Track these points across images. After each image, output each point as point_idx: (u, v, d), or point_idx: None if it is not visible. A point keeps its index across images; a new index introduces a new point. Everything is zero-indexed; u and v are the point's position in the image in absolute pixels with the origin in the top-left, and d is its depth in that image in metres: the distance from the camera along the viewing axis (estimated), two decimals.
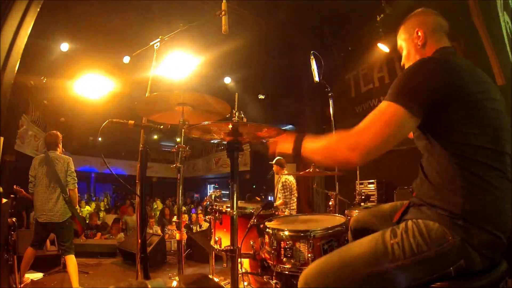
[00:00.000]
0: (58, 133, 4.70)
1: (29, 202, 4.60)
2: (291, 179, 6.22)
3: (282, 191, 6.11)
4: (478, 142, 1.34)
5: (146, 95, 2.67)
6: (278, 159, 6.46)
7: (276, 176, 6.61)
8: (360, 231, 1.92)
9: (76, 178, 4.56)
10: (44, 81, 8.17)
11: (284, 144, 1.86)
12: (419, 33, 1.67)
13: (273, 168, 6.49)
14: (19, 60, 1.16)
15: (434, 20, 1.71)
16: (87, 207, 10.98)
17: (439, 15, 1.75)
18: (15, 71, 1.14)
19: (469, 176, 1.33)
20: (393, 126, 1.37)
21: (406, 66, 1.75)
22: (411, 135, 1.66)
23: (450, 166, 1.36)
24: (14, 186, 4.76)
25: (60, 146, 4.65)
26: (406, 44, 1.76)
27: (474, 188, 1.32)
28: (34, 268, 5.07)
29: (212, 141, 2.47)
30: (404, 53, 1.80)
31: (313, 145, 1.69)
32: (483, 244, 1.29)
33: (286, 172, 6.40)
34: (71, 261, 4.31)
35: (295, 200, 6.21)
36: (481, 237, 1.29)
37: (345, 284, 1.39)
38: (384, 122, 1.39)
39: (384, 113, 1.40)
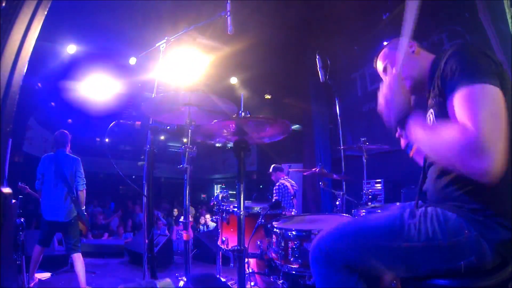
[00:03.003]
0: (67, 132, 4.74)
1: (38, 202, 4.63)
2: (287, 184, 6.29)
3: (276, 196, 6.21)
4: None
5: (153, 96, 2.68)
6: (274, 165, 6.54)
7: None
8: None
9: (84, 179, 4.59)
10: (39, 86, 8.24)
11: (388, 107, 1.51)
12: (411, 43, 1.63)
13: (272, 176, 6.57)
14: (27, 63, 1.17)
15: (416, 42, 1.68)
16: None
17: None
18: (23, 74, 1.16)
19: None
20: (501, 108, 1.17)
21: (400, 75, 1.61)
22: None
23: None
24: (19, 184, 4.80)
25: (69, 145, 4.69)
26: (398, 55, 1.57)
27: (493, 188, 1.24)
28: (42, 267, 5.11)
29: (216, 145, 2.47)
30: (394, 64, 1.66)
31: (422, 135, 1.35)
32: (499, 240, 1.27)
33: (285, 177, 6.47)
34: (78, 259, 4.34)
35: (293, 204, 6.25)
36: (498, 232, 1.27)
37: (356, 251, 1.41)
38: (495, 107, 1.17)
39: (486, 97, 1.19)
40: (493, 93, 1.18)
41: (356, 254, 1.41)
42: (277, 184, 6.33)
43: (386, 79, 1.54)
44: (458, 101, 1.23)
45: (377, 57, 1.81)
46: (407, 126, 1.41)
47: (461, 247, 1.29)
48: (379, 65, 1.80)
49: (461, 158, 1.14)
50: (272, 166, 6.65)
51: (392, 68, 1.69)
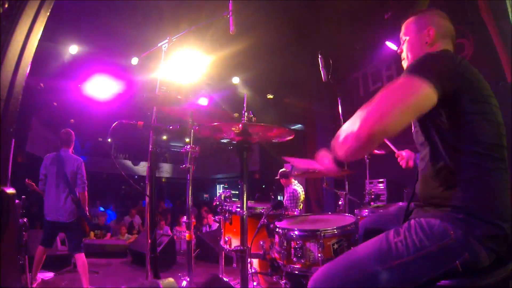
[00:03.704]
0: (72, 131, 4.76)
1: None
2: (299, 190, 6.28)
3: (289, 201, 6.19)
4: (484, 136, 1.37)
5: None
6: (281, 171, 6.52)
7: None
8: (369, 231, 1.93)
9: (86, 181, 4.60)
10: (42, 86, 8.25)
11: (322, 162, 1.79)
12: (431, 32, 1.66)
13: (281, 181, 6.56)
14: (30, 63, 1.17)
15: (447, 26, 1.71)
16: None
17: (451, 22, 1.75)
18: (26, 74, 1.16)
19: (471, 169, 1.36)
20: (414, 98, 1.31)
21: (404, 54, 1.80)
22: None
23: (452, 160, 1.39)
24: (26, 180, 4.81)
25: (73, 144, 4.71)
26: (414, 36, 1.74)
27: (475, 180, 1.35)
28: (45, 267, 5.13)
29: (221, 140, 2.47)
30: (407, 39, 1.78)
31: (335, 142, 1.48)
32: (486, 235, 1.30)
33: (296, 182, 6.47)
34: (81, 259, 4.35)
35: (299, 209, 6.26)
36: (483, 228, 1.30)
37: (354, 283, 1.41)
38: (404, 92, 1.32)
39: (403, 85, 1.35)
40: (414, 82, 1.32)
41: (354, 285, 1.41)
42: (289, 190, 6.33)
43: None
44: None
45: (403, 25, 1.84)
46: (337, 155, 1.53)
47: (451, 248, 1.31)
48: (402, 30, 1.84)
49: (349, 128, 1.34)
50: (280, 171, 6.64)
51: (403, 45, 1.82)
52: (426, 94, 1.30)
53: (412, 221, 1.44)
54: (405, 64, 1.80)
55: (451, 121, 1.38)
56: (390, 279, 1.36)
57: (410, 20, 1.79)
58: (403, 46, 1.80)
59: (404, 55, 1.80)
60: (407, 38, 1.78)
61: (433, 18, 1.72)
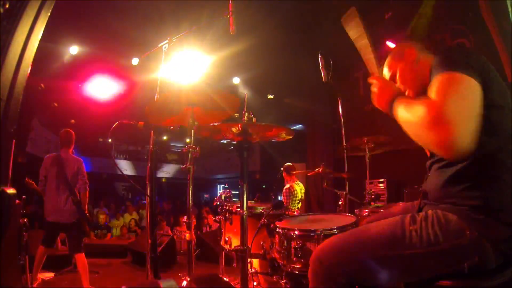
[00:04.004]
0: (72, 131, 4.76)
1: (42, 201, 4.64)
2: (297, 188, 6.24)
3: (284, 197, 6.18)
4: (501, 137, 1.32)
5: (156, 97, 2.68)
6: (286, 165, 6.49)
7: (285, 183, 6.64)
8: None
9: (87, 181, 4.60)
10: (42, 87, 8.26)
11: (380, 101, 1.61)
12: (411, 52, 1.67)
13: (283, 175, 6.53)
14: (31, 64, 1.17)
15: (418, 43, 1.73)
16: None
17: (419, 41, 1.76)
18: (27, 75, 1.16)
19: (492, 167, 1.31)
20: (475, 96, 1.20)
21: (404, 87, 1.71)
22: None
23: (471, 161, 1.32)
24: (26, 179, 4.81)
25: (73, 145, 4.71)
26: (400, 67, 1.71)
27: (495, 180, 1.31)
28: (46, 268, 5.12)
29: (221, 141, 2.47)
30: (398, 76, 1.72)
31: (400, 111, 1.41)
32: (501, 238, 1.27)
33: (296, 181, 6.44)
34: (81, 259, 4.35)
35: (297, 207, 6.23)
36: (500, 230, 1.27)
37: (359, 263, 1.40)
38: (465, 92, 1.21)
39: (459, 83, 1.22)
40: (467, 82, 1.22)
41: (358, 266, 1.40)
42: (286, 186, 6.31)
43: (372, 80, 1.66)
44: (432, 86, 1.28)
45: (382, 65, 1.83)
46: (394, 111, 1.46)
47: (463, 249, 1.29)
48: (386, 73, 1.81)
49: (424, 128, 1.20)
50: (285, 164, 6.59)
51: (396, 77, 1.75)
52: (480, 93, 1.22)
53: (430, 211, 1.41)
54: (411, 92, 1.70)
55: None
56: (396, 266, 1.36)
57: (386, 64, 1.81)
58: (398, 84, 1.73)
59: (405, 87, 1.71)
60: (396, 73, 1.74)
61: (404, 43, 1.76)
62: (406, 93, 1.70)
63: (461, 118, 1.14)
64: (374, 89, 1.63)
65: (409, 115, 1.33)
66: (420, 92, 1.65)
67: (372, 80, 1.68)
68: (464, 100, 1.18)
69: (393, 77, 1.77)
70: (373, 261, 1.37)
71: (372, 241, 1.41)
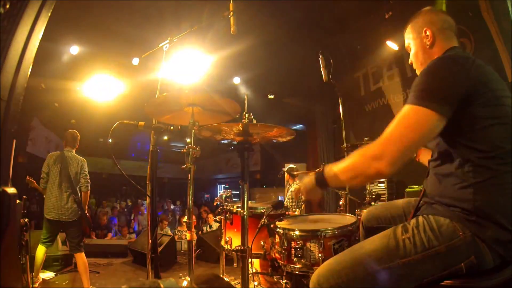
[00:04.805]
0: (77, 133, 4.80)
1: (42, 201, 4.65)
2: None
3: (290, 200, 6.18)
4: (497, 139, 1.33)
5: (156, 96, 2.69)
6: (290, 167, 6.49)
7: (286, 184, 6.65)
8: (373, 229, 1.92)
9: (89, 181, 4.62)
10: (43, 86, 8.26)
11: (306, 184, 1.71)
12: (428, 33, 1.64)
13: (285, 177, 6.55)
14: (31, 64, 1.17)
15: (442, 19, 1.67)
16: None
17: (447, 14, 1.71)
18: (28, 75, 1.16)
19: (484, 172, 1.33)
20: (422, 130, 1.34)
21: (414, 65, 1.76)
22: None
23: (465, 161, 1.36)
24: (27, 177, 4.82)
25: (77, 146, 4.73)
26: (414, 44, 1.73)
27: (487, 184, 1.32)
28: (46, 267, 5.14)
29: (222, 141, 2.47)
30: (412, 52, 1.76)
31: (337, 168, 1.54)
32: (495, 239, 1.29)
33: (297, 182, 6.44)
34: (81, 259, 4.36)
35: (300, 208, 6.24)
36: (493, 231, 1.29)
37: (359, 282, 1.40)
38: (412, 127, 1.34)
39: (410, 118, 1.36)
40: (420, 115, 1.34)
41: (359, 284, 1.40)
42: (291, 189, 6.32)
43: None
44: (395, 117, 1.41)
45: (405, 30, 1.82)
46: (327, 176, 1.58)
47: (459, 249, 1.31)
48: (406, 40, 1.82)
49: (366, 163, 1.41)
50: (289, 166, 6.61)
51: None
52: (435, 125, 1.34)
53: (420, 218, 1.43)
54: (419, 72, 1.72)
55: (463, 125, 1.36)
56: (395, 276, 1.36)
57: (407, 30, 1.78)
58: (411, 57, 1.79)
59: (414, 66, 1.77)
60: (411, 48, 1.77)
61: (426, 18, 1.70)
62: (416, 71, 1.75)
63: (392, 151, 1.35)
64: (302, 192, 1.79)
65: (348, 160, 1.51)
66: None
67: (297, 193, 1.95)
68: (405, 136, 1.35)
69: (409, 47, 1.80)
70: (371, 276, 1.38)
71: (368, 257, 1.41)
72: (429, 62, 1.56)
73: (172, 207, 14.45)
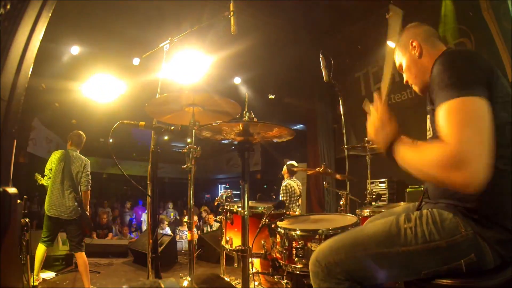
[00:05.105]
0: (83, 134, 4.85)
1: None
2: (294, 184, 6.23)
3: (282, 195, 6.18)
4: (503, 137, 1.30)
5: (157, 97, 2.68)
6: (290, 163, 6.48)
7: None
8: None
9: (90, 181, 4.63)
10: (43, 87, 8.27)
11: (378, 136, 1.47)
12: (414, 44, 1.68)
13: (283, 171, 6.54)
14: (32, 64, 1.17)
15: (424, 29, 1.72)
16: None
17: (426, 24, 1.76)
18: (29, 76, 1.16)
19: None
20: (485, 118, 1.17)
21: (410, 81, 1.77)
22: None
23: None
24: (36, 174, 4.83)
25: (82, 147, 4.76)
26: (405, 59, 1.75)
27: (492, 184, 1.23)
28: (47, 267, 5.14)
29: (223, 141, 2.47)
30: (404, 68, 1.78)
31: (408, 157, 1.33)
32: (497, 239, 1.28)
33: (293, 178, 6.43)
34: (81, 258, 4.36)
35: (297, 204, 6.23)
36: (496, 231, 1.29)
37: (357, 261, 1.41)
38: (475, 120, 1.17)
39: (462, 110, 1.20)
40: (477, 106, 1.19)
41: (356, 264, 1.41)
42: (284, 184, 6.30)
43: (374, 109, 1.52)
44: (440, 116, 1.24)
45: (394, 54, 1.80)
46: (394, 151, 1.39)
47: (459, 246, 1.30)
48: (397, 62, 1.83)
49: (443, 173, 1.16)
50: (288, 163, 6.59)
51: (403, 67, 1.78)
52: (488, 109, 1.19)
53: (425, 210, 1.44)
54: (417, 88, 1.75)
55: None
56: (392, 263, 1.37)
57: (395, 53, 1.80)
58: (405, 75, 1.79)
59: (410, 82, 1.77)
60: (403, 66, 1.78)
61: (408, 33, 1.74)
62: (413, 87, 1.75)
63: (479, 153, 1.12)
64: (374, 120, 1.50)
65: (418, 157, 1.28)
66: (424, 88, 1.69)
67: (373, 109, 1.54)
68: (479, 131, 1.15)
69: (401, 67, 1.80)
70: (370, 258, 1.39)
71: (368, 239, 1.43)
72: (423, 71, 1.61)
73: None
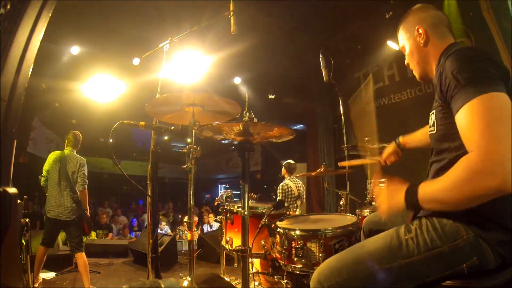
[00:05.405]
0: (80, 134, 4.84)
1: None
2: (292, 184, 6.21)
3: (278, 195, 6.16)
4: None
5: (157, 97, 2.69)
6: (287, 162, 6.47)
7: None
8: (373, 232, 1.91)
9: (86, 180, 4.62)
10: (43, 87, 8.28)
11: (394, 199, 1.41)
12: (420, 31, 1.60)
13: (282, 171, 6.53)
14: (32, 64, 1.17)
15: (432, 15, 1.63)
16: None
17: (438, 9, 1.67)
18: (29, 76, 1.16)
19: None
20: (508, 116, 1.12)
21: (411, 65, 1.72)
22: None
23: None
24: (40, 176, 4.84)
25: (79, 147, 4.76)
26: (408, 44, 1.68)
27: None
28: (47, 267, 5.14)
29: (223, 141, 2.47)
30: (407, 52, 1.72)
31: (432, 189, 1.27)
32: (498, 241, 1.28)
33: (292, 177, 6.41)
34: (81, 258, 4.37)
35: (295, 205, 6.20)
36: (497, 232, 1.28)
37: (360, 281, 1.38)
38: (501, 118, 1.13)
39: (491, 109, 1.15)
40: (500, 101, 1.16)
41: (360, 283, 1.38)
42: (281, 184, 6.29)
43: (377, 191, 1.53)
44: (463, 119, 1.21)
45: (397, 32, 1.78)
46: (419, 199, 1.31)
47: (462, 250, 1.29)
48: (400, 42, 1.78)
49: (477, 183, 1.11)
50: (287, 161, 6.58)
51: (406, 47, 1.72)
52: (509, 105, 1.15)
53: (423, 219, 1.42)
54: (417, 75, 1.71)
55: None
56: (397, 276, 1.35)
57: (399, 32, 1.74)
58: (406, 58, 1.74)
59: (411, 66, 1.72)
60: (406, 49, 1.72)
61: (415, 16, 1.66)
62: (413, 72, 1.71)
63: (509, 161, 1.06)
64: (383, 198, 1.47)
65: (444, 183, 1.21)
66: (424, 76, 1.66)
67: (376, 191, 1.55)
68: (506, 128, 1.10)
69: (403, 48, 1.75)
70: (373, 276, 1.36)
71: (370, 257, 1.39)
72: (426, 60, 1.58)
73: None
